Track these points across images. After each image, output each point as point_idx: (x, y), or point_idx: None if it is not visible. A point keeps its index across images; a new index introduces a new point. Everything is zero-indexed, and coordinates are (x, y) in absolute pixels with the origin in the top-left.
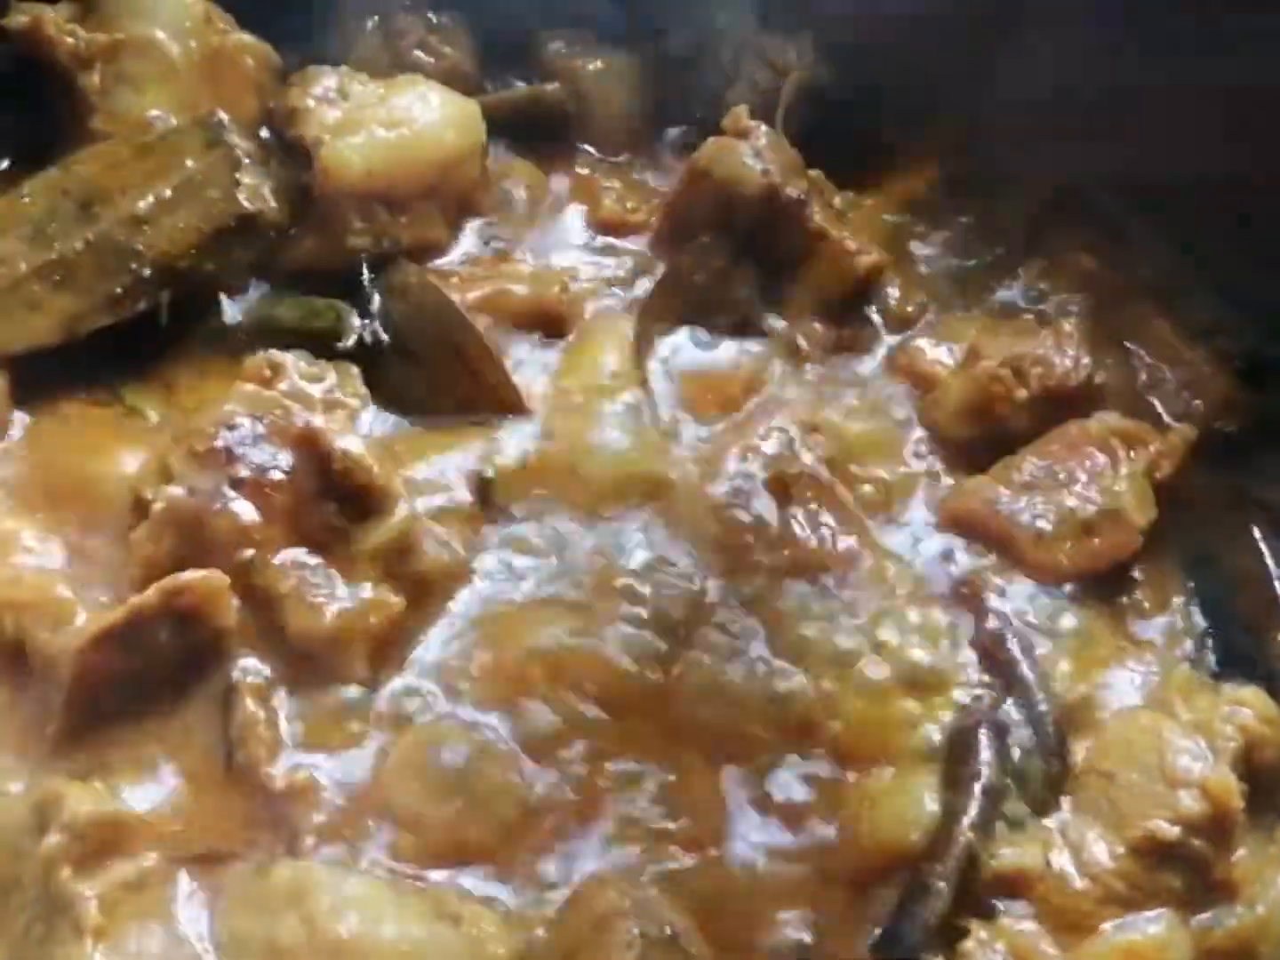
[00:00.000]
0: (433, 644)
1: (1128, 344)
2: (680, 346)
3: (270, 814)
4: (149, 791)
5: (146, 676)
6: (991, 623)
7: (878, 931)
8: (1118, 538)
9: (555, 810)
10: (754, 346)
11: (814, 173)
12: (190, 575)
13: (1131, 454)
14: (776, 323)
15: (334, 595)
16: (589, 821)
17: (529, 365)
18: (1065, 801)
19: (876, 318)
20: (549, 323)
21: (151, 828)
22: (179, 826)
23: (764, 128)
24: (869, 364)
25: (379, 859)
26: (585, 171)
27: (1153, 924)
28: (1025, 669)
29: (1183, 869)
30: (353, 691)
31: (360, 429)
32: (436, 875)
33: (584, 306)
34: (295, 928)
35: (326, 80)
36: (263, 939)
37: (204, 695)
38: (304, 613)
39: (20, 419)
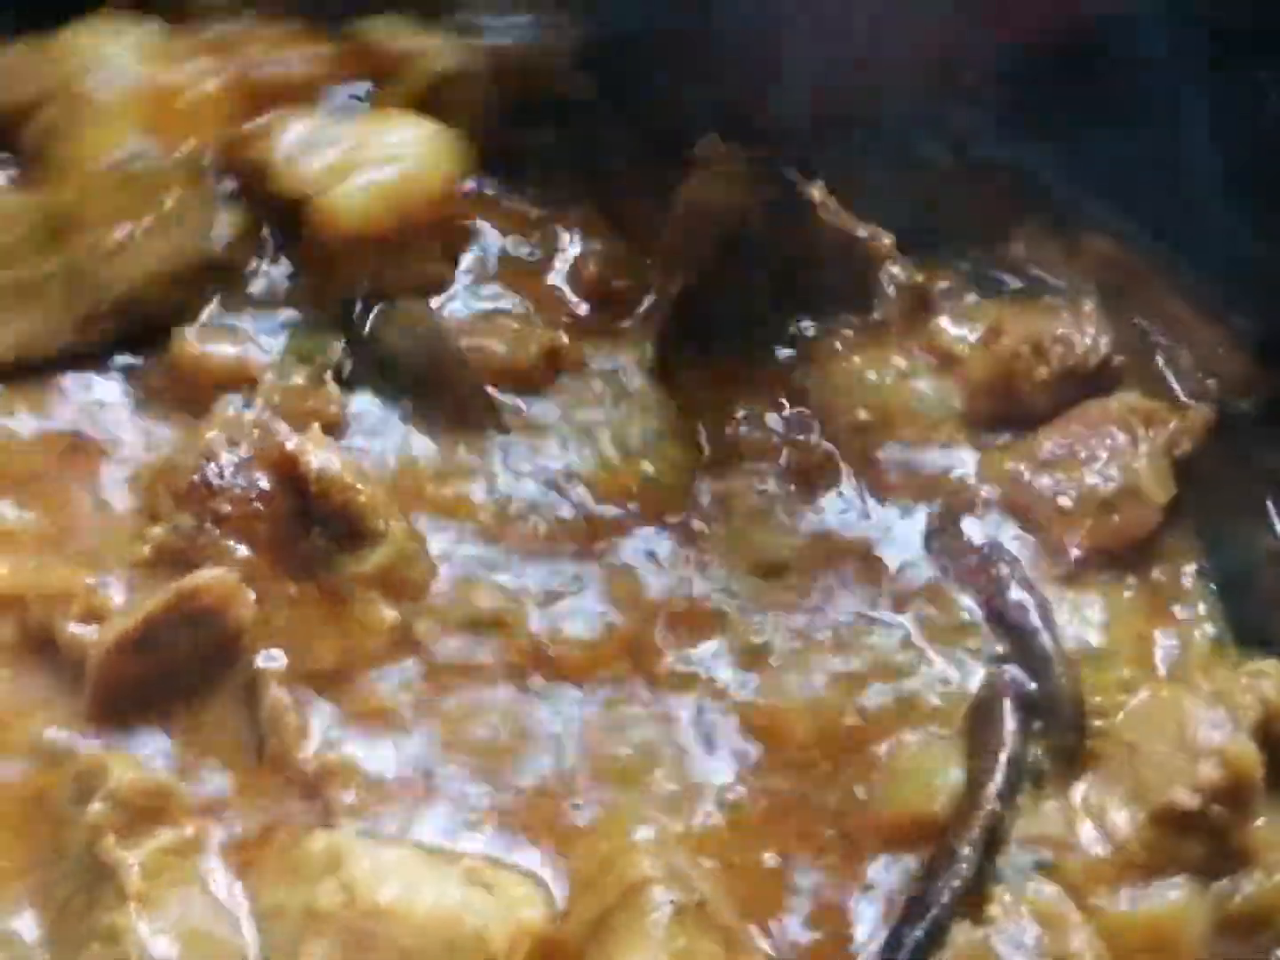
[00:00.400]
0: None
1: (1144, 323)
2: (697, 360)
3: (304, 797)
4: (183, 785)
5: (172, 675)
6: (1014, 596)
7: (903, 900)
8: (1137, 515)
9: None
10: (774, 348)
11: (814, 171)
12: (203, 576)
13: (1150, 432)
14: (796, 322)
15: (323, 631)
16: (620, 785)
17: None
18: (1088, 771)
19: (896, 299)
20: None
21: (192, 800)
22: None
23: (741, 153)
24: (890, 345)
25: (411, 829)
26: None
27: (1173, 891)
28: (1046, 640)
29: (1203, 837)
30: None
31: (345, 438)
32: (468, 844)
33: (581, 349)
34: (334, 893)
35: (297, 127)
36: (301, 904)
37: (232, 687)
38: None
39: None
